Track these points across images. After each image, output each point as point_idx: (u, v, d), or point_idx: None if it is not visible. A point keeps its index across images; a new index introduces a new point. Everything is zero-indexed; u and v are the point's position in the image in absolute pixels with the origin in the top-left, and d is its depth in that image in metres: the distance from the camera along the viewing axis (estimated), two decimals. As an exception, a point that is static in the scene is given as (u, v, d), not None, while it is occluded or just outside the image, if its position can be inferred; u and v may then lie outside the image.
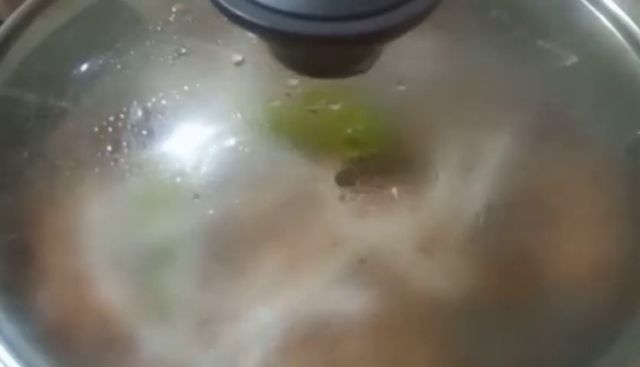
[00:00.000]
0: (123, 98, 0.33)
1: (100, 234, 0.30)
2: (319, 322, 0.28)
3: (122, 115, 0.32)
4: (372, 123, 0.31)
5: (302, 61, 0.29)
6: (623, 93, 0.34)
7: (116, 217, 0.31)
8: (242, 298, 0.29)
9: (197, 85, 0.33)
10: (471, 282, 0.29)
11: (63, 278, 0.30)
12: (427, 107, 0.32)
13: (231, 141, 0.31)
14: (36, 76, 0.34)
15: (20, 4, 0.35)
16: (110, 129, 0.32)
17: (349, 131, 0.31)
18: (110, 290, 0.29)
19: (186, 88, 0.32)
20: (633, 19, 0.35)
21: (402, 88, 0.32)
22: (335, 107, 0.31)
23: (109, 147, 0.32)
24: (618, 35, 0.35)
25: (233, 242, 0.30)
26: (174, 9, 0.35)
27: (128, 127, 0.32)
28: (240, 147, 0.31)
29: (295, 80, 0.31)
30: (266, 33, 0.26)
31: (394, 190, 0.30)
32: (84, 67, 0.34)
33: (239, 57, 0.33)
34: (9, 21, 0.35)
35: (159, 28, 0.34)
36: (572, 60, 0.35)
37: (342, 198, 0.30)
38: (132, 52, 0.34)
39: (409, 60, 0.32)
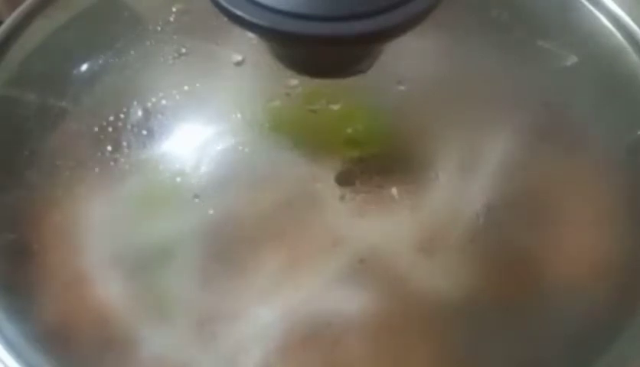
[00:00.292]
0: (123, 98, 0.33)
1: (100, 234, 0.30)
2: (319, 322, 0.28)
3: (122, 115, 0.32)
4: (372, 123, 0.31)
5: (302, 61, 0.29)
6: (623, 93, 0.34)
7: (116, 217, 0.31)
8: (242, 298, 0.29)
9: (197, 85, 0.33)
10: (471, 282, 0.29)
11: (63, 278, 0.30)
12: (427, 107, 0.32)
13: (231, 141, 0.31)
14: (36, 76, 0.34)
15: (20, 4, 0.35)
16: (110, 129, 0.32)
17: (349, 131, 0.31)
18: (110, 290, 0.29)
19: (186, 88, 0.32)
20: (633, 19, 0.35)
21: (402, 88, 0.32)
22: (335, 107, 0.31)
23: (109, 147, 0.32)
24: (618, 35, 0.35)
25: (233, 242, 0.30)
26: (174, 9, 0.35)
27: (128, 127, 0.32)
28: (240, 147, 0.31)
29: (295, 80, 0.31)
30: (266, 33, 0.26)
31: (394, 190, 0.30)
32: (84, 67, 0.34)
33: (239, 57, 0.33)
34: (9, 21, 0.35)
35: (159, 28, 0.34)
36: (572, 60, 0.35)
37: (342, 198, 0.30)
38: (132, 52, 0.34)
39: (409, 60, 0.32)
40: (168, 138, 0.32)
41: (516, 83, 0.33)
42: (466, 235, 0.30)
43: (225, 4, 0.25)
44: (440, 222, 0.30)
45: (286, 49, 0.28)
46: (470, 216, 0.30)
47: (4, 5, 0.41)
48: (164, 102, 0.32)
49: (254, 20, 0.25)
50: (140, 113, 0.32)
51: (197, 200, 0.30)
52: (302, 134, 0.31)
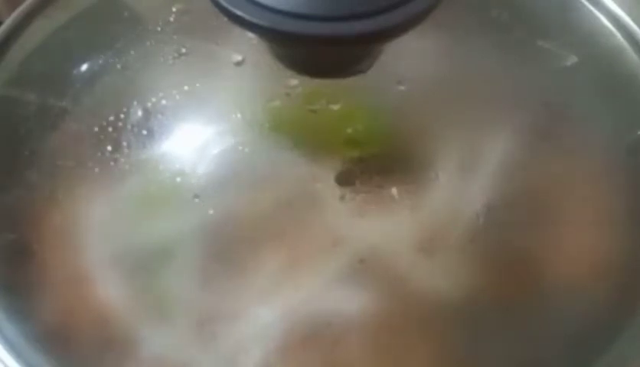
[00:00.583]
0: (123, 98, 0.33)
1: (100, 234, 0.30)
2: (319, 322, 0.28)
3: (122, 115, 0.32)
4: (372, 123, 0.31)
5: (302, 61, 0.29)
6: (623, 93, 0.34)
7: (116, 217, 0.31)
8: (242, 298, 0.29)
9: (197, 85, 0.33)
10: (471, 282, 0.29)
11: (63, 278, 0.30)
12: (427, 107, 0.32)
13: (231, 141, 0.31)
14: (36, 76, 0.34)
15: (20, 4, 0.35)
16: (110, 129, 0.32)
17: (349, 131, 0.31)
18: (110, 290, 0.29)
19: (186, 88, 0.32)
20: (633, 19, 0.35)
21: (402, 88, 0.32)
22: (335, 107, 0.31)
23: (109, 147, 0.32)
24: (618, 35, 0.35)
25: (233, 242, 0.30)
26: (174, 9, 0.35)
27: (129, 127, 0.32)
28: (240, 147, 0.31)
29: (295, 80, 0.31)
30: (266, 33, 0.26)
31: (394, 190, 0.30)
32: (84, 67, 0.34)
33: (239, 57, 0.33)
34: (9, 21, 0.35)
35: (159, 28, 0.34)
36: (572, 60, 0.35)
37: (342, 198, 0.30)
38: (132, 52, 0.34)
39: (409, 60, 0.32)
40: (168, 138, 0.32)
41: (516, 83, 0.33)
42: (466, 235, 0.30)
43: (225, 4, 0.25)
44: (440, 222, 0.30)
45: (286, 49, 0.28)
46: (470, 216, 0.30)
47: (4, 5, 0.42)
48: (164, 102, 0.32)
49: (254, 20, 0.25)
50: (140, 113, 0.32)
51: (197, 200, 0.30)
52: (302, 134, 0.31)
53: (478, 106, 0.32)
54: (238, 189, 0.31)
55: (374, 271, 0.29)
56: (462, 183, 0.31)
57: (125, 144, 0.32)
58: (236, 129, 0.31)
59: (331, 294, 0.29)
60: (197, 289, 0.29)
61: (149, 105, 0.32)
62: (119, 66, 0.34)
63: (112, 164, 0.31)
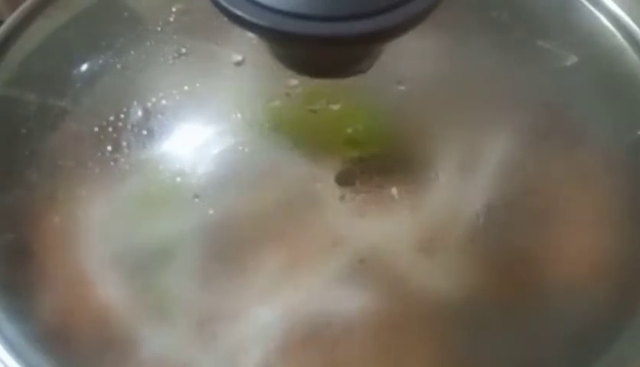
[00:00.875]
0: (123, 98, 0.33)
1: (100, 234, 0.30)
2: (319, 322, 0.28)
3: (122, 115, 0.32)
4: (372, 123, 0.31)
5: (302, 61, 0.29)
6: (623, 93, 0.34)
7: (116, 217, 0.31)
8: (242, 298, 0.29)
9: (197, 85, 0.33)
10: (471, 282, 0.29)
11: (63, 278, 0.30)
12: (427, 107, 0.32)
13: (231, 141, 0.31)
14: (36, 76, 0.34)
15: (20, 4, 0.35)
16: (110, 129, 0.32)
17: (349, 131, 0.31)
18: (110, 290, 0.29)
19: (186, 88, 0.32)
20: (633, 19, 0.35)
21: (402, 88, 0.32)
22: (335, 107, 0.31)
23: (109, 147, 0.32)
24: (618, 35, 0.35)
25: (233, 242, 0.30)
26: (174, 9, 0.35)
27: (129, 127, 0.32)
28: (240, 147, 0.31)
29: (295, 80, 0.31)
30: (266, 33, 0.26)
31: (394, 190, 0.30)
32: (84, 67, 0.34)
33: (239, 57, 0.33)
34: (9, 21, 0.35)
35: (159, 28, 0.34)
36: (572, 60, 0.35)
37: (342, 198, 0.30)
38: (132, 52, 0.34)
39: (409, 60, 0.32)
40: (168, 138, 0.32)
41: (516, 83, 0.33)
42: (466, 235, 0.30)
43: (225, 4, 0.25)
44: (440, 222, 0.30)
45: (286, 49, 0.28)
46: (470, 216, 0.30)
47: (4, 5, 0.42)
48: (164, 102, 0.32)
49: (254, 20, 0.25)
50: (140, 113, 0.32)
51: (197, 200, 0.30)
52: (302, 134, 0.31)
53: (478, 106, 0.32)
54: (238, 190, 0.31)
55: (374, 271, 0.29)
56: (462, 183, 0.31)
57: (125, 144, 0.32)
58: (236, 129, 0.31)
59: (331, 294, 0.29)
60: (197, 289, 0.29)
61: (149, 105, 0.32)
62: (119, 66, 0.34)
63: (112, 164, 0.31)
